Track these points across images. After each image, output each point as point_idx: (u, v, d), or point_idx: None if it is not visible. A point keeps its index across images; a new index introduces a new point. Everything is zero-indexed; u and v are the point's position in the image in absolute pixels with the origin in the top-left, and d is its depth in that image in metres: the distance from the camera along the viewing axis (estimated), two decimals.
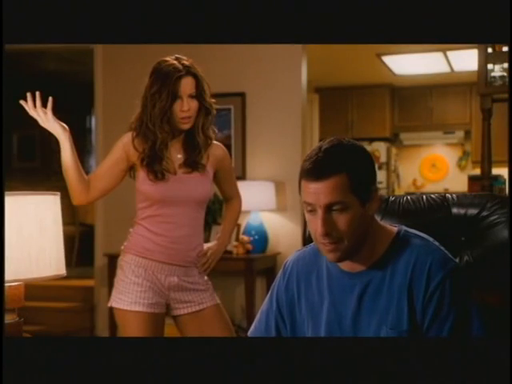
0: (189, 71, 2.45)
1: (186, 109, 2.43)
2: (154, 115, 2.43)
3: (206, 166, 2.55)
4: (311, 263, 1.70)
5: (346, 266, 1.61)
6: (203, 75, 2.49)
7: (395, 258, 1.57)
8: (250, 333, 1.80)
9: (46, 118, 2.34)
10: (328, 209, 1.51)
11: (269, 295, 1.79)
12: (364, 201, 1.54)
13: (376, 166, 1.63)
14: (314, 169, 1.51)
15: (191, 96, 2.45)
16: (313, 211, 1.53)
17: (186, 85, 2.44)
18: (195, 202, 2.54)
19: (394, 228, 1.64)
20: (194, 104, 2.46)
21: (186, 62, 2.46)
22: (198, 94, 2.47)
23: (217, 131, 2.65)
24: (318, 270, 1.68)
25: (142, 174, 2.49)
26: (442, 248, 1.59)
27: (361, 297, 1.58)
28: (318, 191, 1.50)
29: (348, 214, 1.51)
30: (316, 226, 1.52)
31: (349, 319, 1.59)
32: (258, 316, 1.80)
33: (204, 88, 2.49)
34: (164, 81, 2.41)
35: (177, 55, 2.48)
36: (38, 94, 2.32)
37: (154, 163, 2.47)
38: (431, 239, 1.62)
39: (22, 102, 2.33)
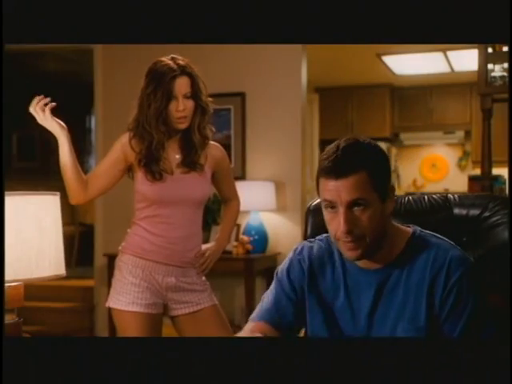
0: (183, 71, 2.44)
1: (181, 108, 2.43)
2: (149, 116, 2.43)
3: (204, 166, 2.55)
4: (326, 255, 1.69)
5: (363, 263, 1.62)
6: (199, 74, 2.49)
7: (413, 255, 1.59)
8: (255, 315, 1.70)
9: (44, 116, 2.35)
10: (350, 206, 1.52)
11: (275, 283, 1.73)
12: (383, 198, 1.55)
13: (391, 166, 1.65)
14: (334, 167, 1.52)
15: (186, 96, 2.45)
16: (333, 208, 1.54)
17: (181, 85, 2.43)
18: (193, 202, 2.53)
19: (408, 228, 1.66)
20: (190, 104, 2.46)
21: (182, 62, 2.46)
22: (194, 94, 2.46)
23: (216, 131, 2.64)
24: (334, 264, 1.67)
25: (139, 175, 2.49)
26: (458, 247, 1.62)
27: (377, 294, 1.59)
28: (339, 189, 1.51)
29: (369, 210, 1.52)
30: (337, 224, 1.53)
31: (364, 315, 1.60)
32: (263, 306, 1.71)
33: (200, 87, 2.48)
34: (159, 81, 2.41)
35: (173, 55, 2.48)
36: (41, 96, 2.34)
37: (151, 163, 2.47)
38: (446, 239, 1.64)
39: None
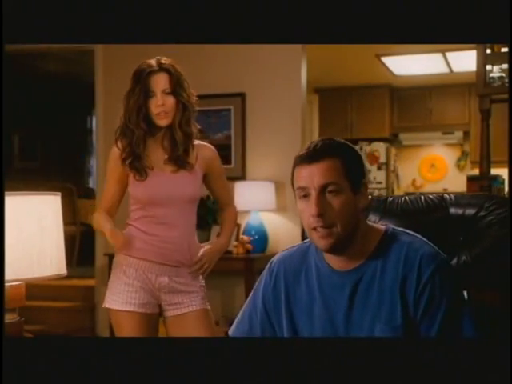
0: (162, 67, 2.48)
1: (160, 103, 2.45)
2: (130, 112, 2.47)
3: (195, 166, 2.55)
4: (299, 263, 1.70)
5: (335, 264, 1.62)
6: (182, 73, 2.51)
7: (385, 254, 1.59)
8: (231, 334, 1.78)
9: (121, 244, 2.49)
10: (322, 190, 1.54)
11: (252, 296, 1.79)
12: (355, 189, 1.57)
13: (365, 165, 1.66)
14: (308, 154, 1.56)
15: (166, 91, 2.47)
16: (306, 196, 1.56)
17: (159, 81, 2.46)
18: (184, 200, 2.53)
19: (381, 227, 1.66)
20: (170, 100, 2.47)
21: (163, 61, 2.50)
22: (174, 90, 2.48)
23: (217, 131, 2.66)
24: (307, 270, 1.68)
25: (131, 177, 2.52)
26: (430, 243, 1.61)
27: (352, 295, 1.59)
28: (313, 173, 1.54)
29: (341, 197, 1.54)
30: (309, 210, 1.54)
31: (341, 317, 1.60)
32: (239, 317, 1.80)
33: (181, 84, 2.49)
34: (138, 78, 2.47)
35: (158, 57, 2.52)
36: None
37: (134, 161, 2.49)
38: (419, 236, 1.63)
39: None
